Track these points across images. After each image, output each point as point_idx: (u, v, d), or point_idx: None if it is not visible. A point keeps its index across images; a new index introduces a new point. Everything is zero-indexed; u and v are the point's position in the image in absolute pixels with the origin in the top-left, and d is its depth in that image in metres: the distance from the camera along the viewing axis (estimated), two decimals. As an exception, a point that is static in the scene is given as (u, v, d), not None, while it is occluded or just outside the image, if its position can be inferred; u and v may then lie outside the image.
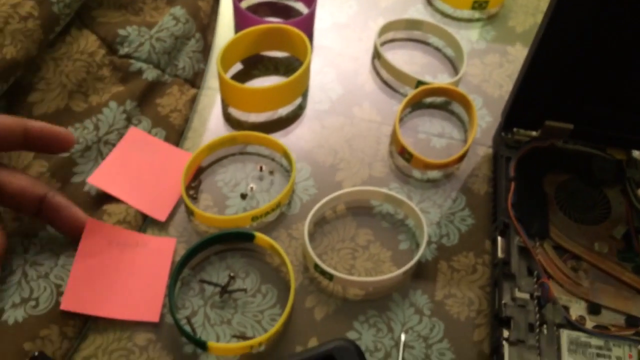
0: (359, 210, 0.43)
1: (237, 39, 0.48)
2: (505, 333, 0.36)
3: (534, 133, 0.44)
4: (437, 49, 0.54)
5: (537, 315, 0.36)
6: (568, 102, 0.42)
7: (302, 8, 0.55)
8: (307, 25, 0.51)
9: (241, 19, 0.51)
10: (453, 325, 0.39)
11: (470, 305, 0.39)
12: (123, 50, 0.47)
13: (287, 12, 0.55)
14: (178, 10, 0.50)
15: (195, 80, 0.49)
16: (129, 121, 0.45)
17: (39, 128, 0.35)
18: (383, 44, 0.53)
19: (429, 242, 0.42)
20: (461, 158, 0.45)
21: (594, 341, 0.36)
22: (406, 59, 0.53)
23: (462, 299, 0.40)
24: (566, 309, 0.37)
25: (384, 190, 0.43)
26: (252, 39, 0.49)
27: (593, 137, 0.44)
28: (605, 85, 0.41)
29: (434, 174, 0.46)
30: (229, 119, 0.48)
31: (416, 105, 0.50)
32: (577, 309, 0.37)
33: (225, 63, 0.48)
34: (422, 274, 0.41)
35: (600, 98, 0.42)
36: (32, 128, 0.35)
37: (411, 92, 0.48)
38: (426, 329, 0.38)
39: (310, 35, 0.53)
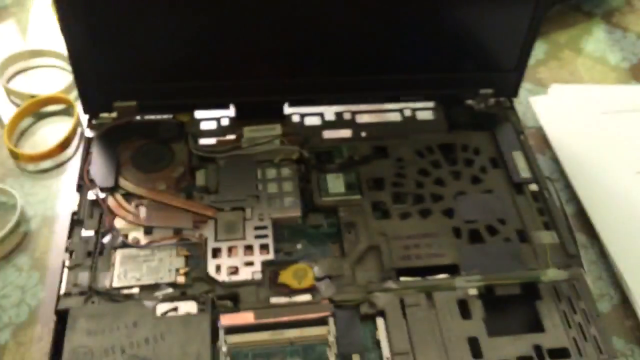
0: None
1: None
2: (67, 262, 0.46)
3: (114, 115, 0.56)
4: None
5: (96, 244, 0.47)
6: (128, 83, 0.54)
7: None
8: None
9: None
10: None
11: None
12: None
13: None
14: None
15: None
16: None
17: None
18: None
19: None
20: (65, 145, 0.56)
21: (143, 252, 0.47)
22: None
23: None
24: (126, 236, 0.48)
25: (-10, 184, 0.52)
26: None
27: (162, 108, 0.56)
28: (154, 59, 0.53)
29: (46, 164, 0.56)
30: None
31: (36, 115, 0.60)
32: (134, 234, 0.48)
33: None
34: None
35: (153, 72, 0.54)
36: None
37: (24, 104, 0.58)
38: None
39: None
